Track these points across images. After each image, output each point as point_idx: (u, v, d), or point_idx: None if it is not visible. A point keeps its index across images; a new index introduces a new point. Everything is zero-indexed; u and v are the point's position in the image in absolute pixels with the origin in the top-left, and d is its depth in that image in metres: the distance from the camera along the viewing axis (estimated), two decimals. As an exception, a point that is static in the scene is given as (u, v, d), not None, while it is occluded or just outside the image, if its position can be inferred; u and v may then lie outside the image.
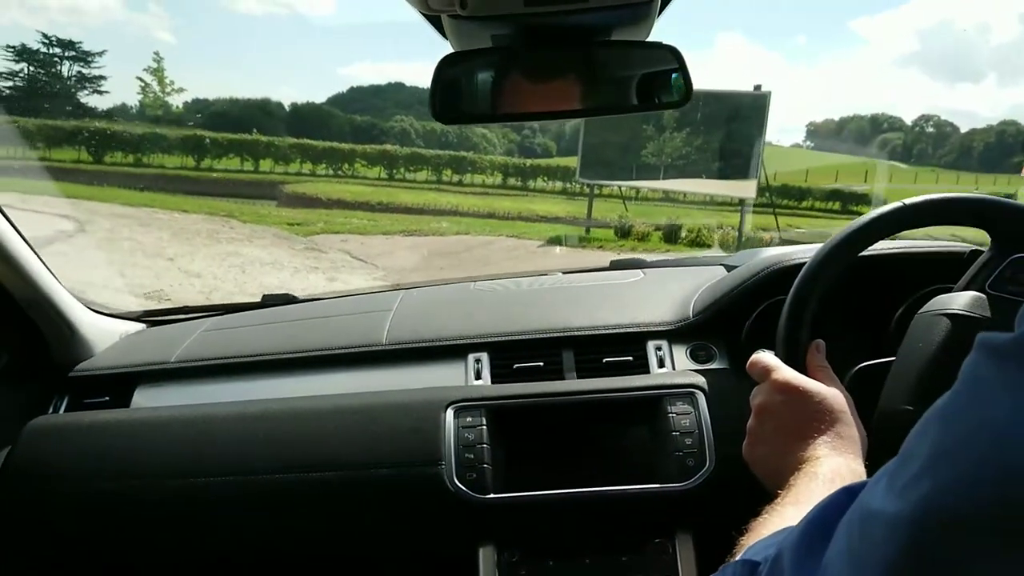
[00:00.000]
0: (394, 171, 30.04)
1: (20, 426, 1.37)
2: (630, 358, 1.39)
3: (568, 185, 29.50)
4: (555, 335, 1.42)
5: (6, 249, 1.36)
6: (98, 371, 1.51)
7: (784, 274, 1.31)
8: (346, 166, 29.78)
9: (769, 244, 12.34)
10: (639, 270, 1.75)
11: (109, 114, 41.78)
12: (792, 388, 0.88)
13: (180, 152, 27.77)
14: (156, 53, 76.24)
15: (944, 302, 0.97)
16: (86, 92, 48.82)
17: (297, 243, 12.28)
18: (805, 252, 1.35)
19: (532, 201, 23.69)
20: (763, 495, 0.84)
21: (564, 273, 1.83)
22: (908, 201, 1.00)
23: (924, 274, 1.25)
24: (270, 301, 1.82)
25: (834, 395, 0.86)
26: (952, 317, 0.93)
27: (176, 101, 43.30)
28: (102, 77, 48.63)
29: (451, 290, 1.84)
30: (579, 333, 1.42)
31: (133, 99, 41.34)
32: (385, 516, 1.25)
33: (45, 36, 50.66)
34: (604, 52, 1.07)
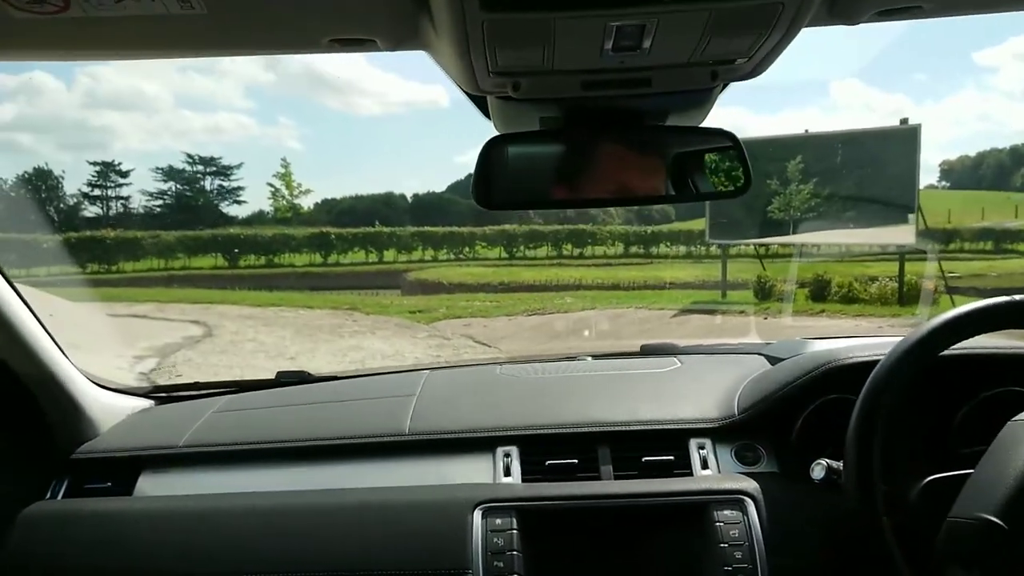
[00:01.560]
0: (514, 250, 30.17)
1: (16, 511, 1.29)
2: (671, 457, 1.29)
3: (693, 249, 28.76)
4: (591, 430, 1.34)
5: (10, 323, 1.31)
6: (102, 454, 1.44)
7: (843, 373, 1.23)
8: (467, 249, 30.14)
9: (935, 293, 10.97)
10: (674, 356, 1.68)
11: (247, 221, 44.23)
12: None
13: (308, 250, 28.76)
14: (283, 159, 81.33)
15: None
16: (227, 203, 52.31)
17: (420, 331, 11.97)
18: (862, 348, 1.27)
19: (658, 268, 22.95)
20: None
21: (594, 358, 1.77)
22: (1019, 298, 0.93)
23: (993, 375, 1.20)
24: (285, 379, 1.75)
25: None
26: None
27: (305, 203, 45.47)
28: (240, 188, 52.17)
29: (477, 373, 1.77)
30: (617, 428, 1.33)
31: (267, 205, 43.60)
32: None
33: (189, 156, 55.00)
34: (660, 136, 1.01)
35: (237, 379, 1.86)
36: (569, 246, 30.43)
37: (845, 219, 12.71)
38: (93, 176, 50.53)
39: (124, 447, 1.45)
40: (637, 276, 19.82)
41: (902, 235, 11.72)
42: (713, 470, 1.29)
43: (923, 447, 1.24)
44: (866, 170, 12.29)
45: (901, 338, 1.00)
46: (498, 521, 1.19)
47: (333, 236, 29.33)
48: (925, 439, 1.25)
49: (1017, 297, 0.97)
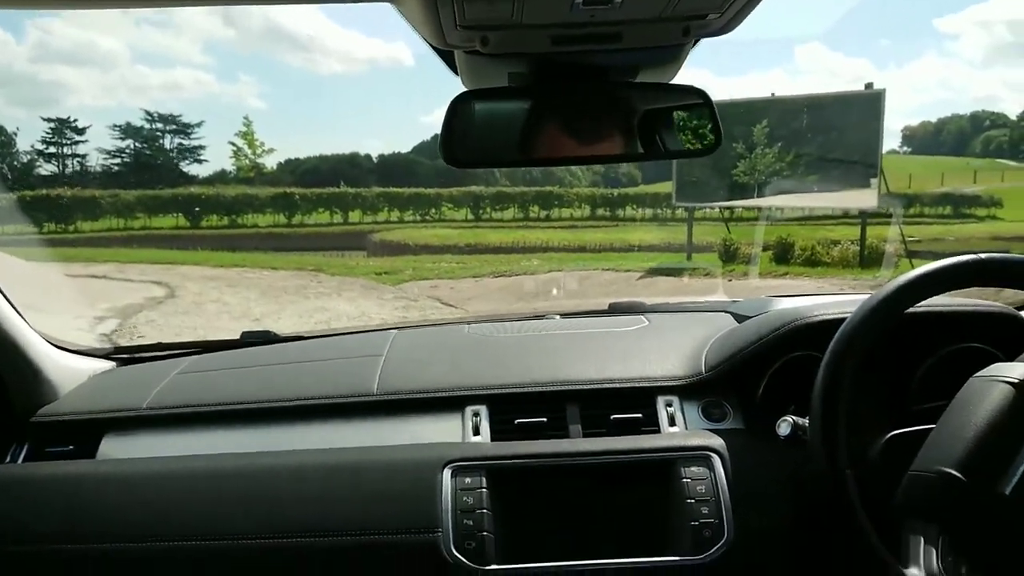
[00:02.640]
0: (480, 212, 30.05)
1: None
2: (639, 415, 1.30)
3: (659, 212, 28.88)
4: (560, 388, 1.34)
5: None
6: (62, 417, 1.39)
7: (809, 331, 1.24)
8: (433, 211, 29.94)
9: (896, 256, 11.17)
10: (642, 315, 1.68)
11: (209, 181, 43.40)
12: None
13: (271, 210, 28.34)
14: (245, 117, 79.64)
15: (1005, 369, 0.92)
16: (187, 162, 51.20)
17: (386, 292, 11.93)
18: (828, 307, 1.28)
19: (624, 231, 23.04)
20: (783, 571, 0.87)
21: (562, 316, 1.77)
22: (985, 256, 0.93)
23: (954, 332, 1.22)
24: (250, 340, 1.72)
25: None
26: (1014, 386, 0.89)
27: (268, 162, 44.68)
28: (201, 147, 50.99)
29: (445, 333, 1.76)
30: (585, 387, 1.34)
31: (229, 164, 42.79)
32: None
33: (148, 113, 53.47)
34: (630, 93, 1.01)
35: (201, 340, 1.81)
36: (536, 208, 30.36)
37: (809, 183, 12.85)
38: (47, 133, 49.14)
39: (86, 410, 1.42)
40: (603, 238, 19.88)
41: (865, 199, 11.91)
42: (680, 427, 1.30)
43: (885, 404, 1.26)
44: (831, 134, 12.41)
45: (866, 296, 1.01)
46: (467, 480, 1.19)
47: (297, 196, 28.92)
48: (887, 396, 1.27)
49: (982, 255, 0.98)
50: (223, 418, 1.38)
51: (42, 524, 1.21)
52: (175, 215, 27.33)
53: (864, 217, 12.34)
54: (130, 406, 1.41)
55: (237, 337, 1.76)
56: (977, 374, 0.95)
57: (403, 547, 1.14)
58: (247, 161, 39.25)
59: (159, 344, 1.76)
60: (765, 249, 13.27)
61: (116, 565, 1.18)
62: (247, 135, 38.79)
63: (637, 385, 1.35)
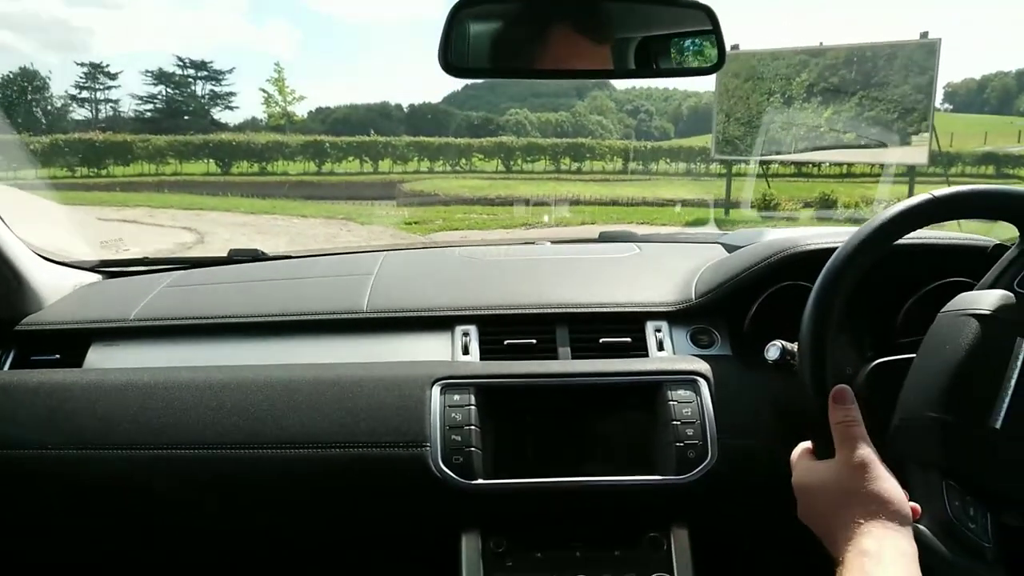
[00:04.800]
0: (511, 163, 29.81)
1: None
2: (628, 339, 1.32)
3: (693, 166, 28.46)
4: (549, 311, 1.35)
5: None
6: (48, 326, 1.39)
7: (798, 260, 1.26)
8: (463, 161, 29.76)
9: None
10: (634, 244, 1.69)
11: (240, 128, 43.46)
12: (836, 475, 0.84)
13: (302, 158, 28.32)
14: (276, 64, 79.43)
15: (969, 301, 0.92)
16: (218, 108, 51.31)
17: (415, 243, 11.77)
18: (817, 237, 1.30)
19: (657, 185, 22.67)
20: (766, 493, 0.90)
21: (553, 243, 1.79)
22: (937, 193, 0.95)
23: (935, 266, 1.24)
24: (238, 257, 1.72)
25: (873, 464, 0.82)
26: (980, 318, 0.88)
27: (299, 110, 44.55)
28: (232, 93, 51.01)
29: (435, 255, 1.78)
30: (575, 310, 1.35)
31: (260, 112, 42.70)
32: (362, 498, 1.18)
33: (179, 59, 53.35)
34: (634, 8, 1.02)
35: (188, 256, 1.79)
36: (567, 160, 30.05)
37: (856, 137, 12.42)
38: (81, 78, 49.36)
39: (72, 319, 1.40)
40: (636, 192, 19.49)
41: (915, 155, 11.46)
42: (668, 352, 1.31)
43: (872, 336, 1.27)
44: (880, 86, 11.93)
45: (855, 229, 1.00)
46: (456, 397, 1.19)
47: (327, 145, 28.85)
48: (873, 329, 1.28)
49: (978, 186, 0.98)
50: (211, 331, 1.37)
51: (26, 431, 1.21)
52: (206, 161, 27.39)
53: (912, 174, 11.91)
54: (117, 317, 1.39)
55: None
56: (944, 309, 0.94)
57: (391, 460, 1.16)
58: (278, 108, 39.18)
59: (145, 258, 1.74)
60: (806, 206, 12.91)
61: (100, 472, 1.18)
62: (278, 82, 38.64)
63: (627, 310, 1.36)
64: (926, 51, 11.22)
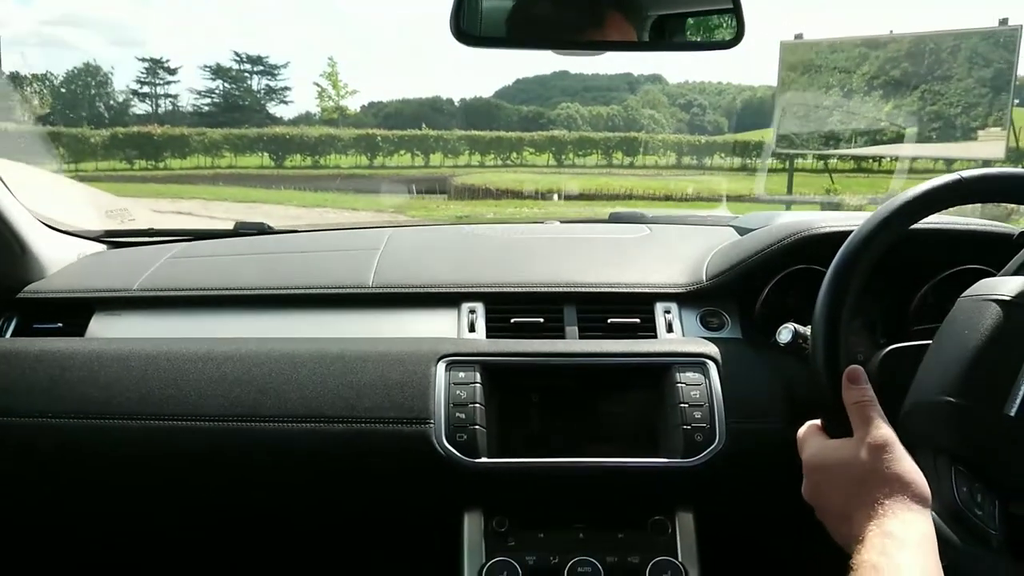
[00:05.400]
0: (563, 157, 29.63)
1: None
2: (637, 320, 1.30)
3: (748, 161, 27.83)
4: (558, 289, 1.33)
5: None
6: (52, 294, 1.39)
7: (810, 243, 1.24)
8: (514, 155, 29.64)
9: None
10: (644, 225, 1.68)
11: (294, 121, 43.92)
12: (860, 452, 0.82)
13: (354, 152, 28.55)
14: (330, 58, 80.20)
15: (992, 286, 0.90)
16: (274, 102, 52.01)
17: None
18: (832, 220, 1.28)
19: (712, 180, 22.17)
20: (776, 478, 0.89)
21: (562, 223, 1.78)
22: (965, 174, 0.93)
23: (954, 253, 1.23)
24: (244, 230, 1.71)
25: (894, 444, 0.80)
26: (1002, 304, 0.87)
27: (352, 104, 44.87)
28: (287, 88, 51.63)
29: (444, 232, 1.80)
30: (584, 289, 1.33)
31: (314, 106, 43.20)
32: (363, 474, 1.17)
33: (236, 54, 54.27)
34: None
35: (193, 228, 1.79)
36: (619, 155, 29.71)
37: (927, 130, 11.89)
38: (142, 73, 50.46)
39: (76, 288, 1.40)
40: (691, 187, 19.14)
41: (990, 149, 10.88)
42: (678, 333, 1.30)
43: (886, 323, 1.27)
44: (944, 79, 11.40)
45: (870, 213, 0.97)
46: (461, 374, 1.18)
47: (379, 138, 29.04)
48: (888, 315, 1.27)
49: (1009, 169, 0.96)
50: (215, 303, 1.37)
51: (27, 399, 1.20)
52: (260, 154, 27.75)
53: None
54: (121, 287, 1.39)
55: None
56: (964, 294, 0.93)
57: (395, 436, 1.14)
58: (331, 102, 39.49)
59: (150, 230, 1.73)
60: (872, 203, 12.42)
61: (100, 441, 1.17)
62: (331, 76, 38.96)
63: (636, 290, 1.34)
64: (1006, 39, 10.60)
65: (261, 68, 51.97)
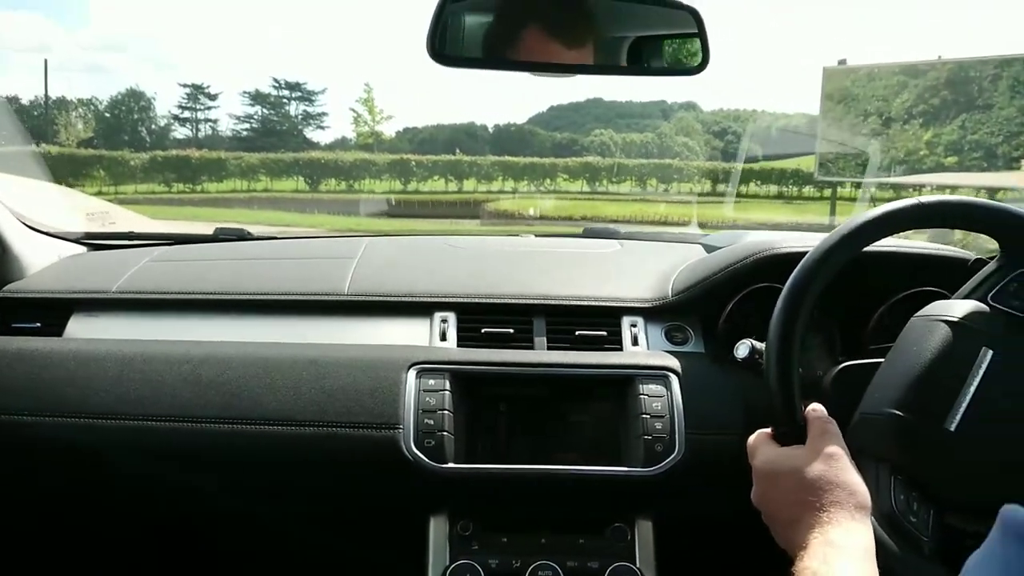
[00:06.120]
0: (596, 183, 29.65)
1: None
2: (604, 333, 1.34)
3: (784, 189, 27.50)
4: (528, 302, 1.37)
5: None
6: (30, 294, 1.41)
7: (773, 262, 1.28)
8: (548, 181, 29.74)
9: None
10: (615, 240, 1.73)
11: (330, 147, 44.41)
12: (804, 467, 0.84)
13: (388, 176, 28.79)
14: (366, 84, 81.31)
15: (943, 308, 0.96)
16: (311, 128, 52.75)
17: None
18: (794, 240, 1.33)
19: (747, 208, 21.93)
20: (732, 487, 0.92)
21: (537, 236, 1.84)
22: (924, 200, 0.99)
23: (915, 276, 1.28)
24: (223, 235, 1.74)
25: (843, 455, 0.84)
26: (951, 325, 0.92)
27: (387, 130, 45.35)
28: (323, 113, 52.38)
29: (420, 243, 1.84)
30: (553, 302, 1.37)
31: (350, 131, 43.70)
32: (333, 478, 1.20)
33: (275, 80, 55.17)
34: (622, 7, 1.05)
35: (173, 232, 1.83)
36: (654, 181, 29.64)
37: (967, 159, 11.60)
38: (183, 98, 51.47)
39: (55, 289, 1.42)
40: (726, 215, 18.91)
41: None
42: (643, 347, 1.33)
43: (844, 341, 1.31)
44: (985, 108, 11.14)
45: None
46: (431, 381, 1.21)
47: (413, 163, 29.25)
48: (846, 334, 1.31)
49: (966, 198, 1.01)
50: (193, 307, 1.39)
51: (4, 397, 1.22)
52: (295, 179, 28.06)
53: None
54: (100, 288, 1.41)
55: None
56: (918, 314, 0.98)
57: (363, 441, 1.17)
58: (366, 128, 39.91)
59: (131, 233, 1.74)
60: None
61: (76, 441, 1.20)
62: (367, 101, 39.40)
63: (604, 304, 1.38)
64: None
65: (299, 94, 52.77)
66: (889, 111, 12.45)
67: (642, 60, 1.08)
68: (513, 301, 1.37)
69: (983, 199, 1.02)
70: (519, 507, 1.21)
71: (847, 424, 0.93)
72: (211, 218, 16.38)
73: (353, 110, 40.47)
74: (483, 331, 1.33)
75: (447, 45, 1.00)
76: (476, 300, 1.37)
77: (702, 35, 1.02)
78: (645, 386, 1.23)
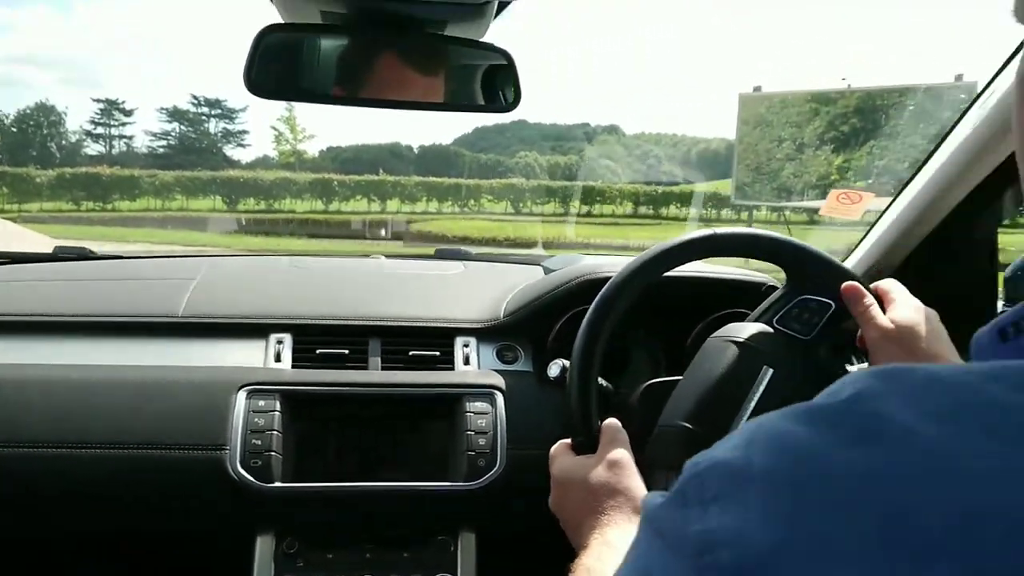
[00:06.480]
0: (520, 205, 29.84)
1: None
2: (437, 353, 1.38)
3: (704, 212, 28.25)
4: (363, 322, 1.40)
5: None
6: None
7: (592, 285, 1.33)
8: (472, 202, 29.93)
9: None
10: (462, 261, 1.78)
11: (251, 165, 43.62)
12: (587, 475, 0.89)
13: (309, 196, 28.46)
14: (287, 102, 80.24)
15: (734, 330, 1.04)
16: (231, 146, 51.67)
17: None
18: (619, 264, 1.30)
19: (667, 229, 22.40)
20: (546, 500, 0.94)
21: (388, 257, 1.84)
22: (718, 231, 1.06)
23: (725, 299, 1.35)
24: (63, 254, 1.71)
25: (627, 463, 0.88)
26: (739, 345, 1.00)
27: (310, 149, 44.83)
28: (244, 131, 51.31)
29: (263, 263, 1.85)
30: (388, 323, 1.41)
31: (272, 150, 42.95)
32: (163, 499, 1.21)
33: (194, 96, 53.81)
34: (433, 45, 1.09)
35: (10, 251, 1.76)
36: (577, 203, 29.97)
37: (868, 185, 12.09)
38: (96, 114, 49.76)
39: None
40: (648, 236, 19.26)
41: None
42: (474, 366, 1.38)
43: (667, 356, 1.39)
44: (891, 136, 11.62)
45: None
46: (261, 403, 1.22)
47: (335, 183, 29.01)
48: (669, 349, 1.38)
49: (756, 230, 1.09)
50: (29, 329, 1.36)
51: None
52: (212, 197, 27.38)
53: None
54: None
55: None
56: (713, 334, 1.05)
57: (191, 463, 1.19)
58: (288, 146, 39.34)
59: None
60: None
61: None
62: (289, 120, 38.80)
63: (438, 325, 1.42)
64: (935, 97, 10.75)
65: (219, 111, 51.66)
66: (802, 137, 12.87)
67: (454, 96, 1.13)
68: (349, 322, 1.40)
69: (772, 232, 1.11)
70: (345, 524, 1.24)
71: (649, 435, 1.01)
72: (121, 237, 15.80)
73: (275, 128, 39.95)
74: (318, 352, 1.35)
75: (261, 76, 1.02)
76: (311, 321, 1.39)
77: (513, 74, 1.08)
78: (471, 404, 1.28)
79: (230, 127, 51.88)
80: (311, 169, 36.92)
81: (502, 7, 0.99)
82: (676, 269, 1.06)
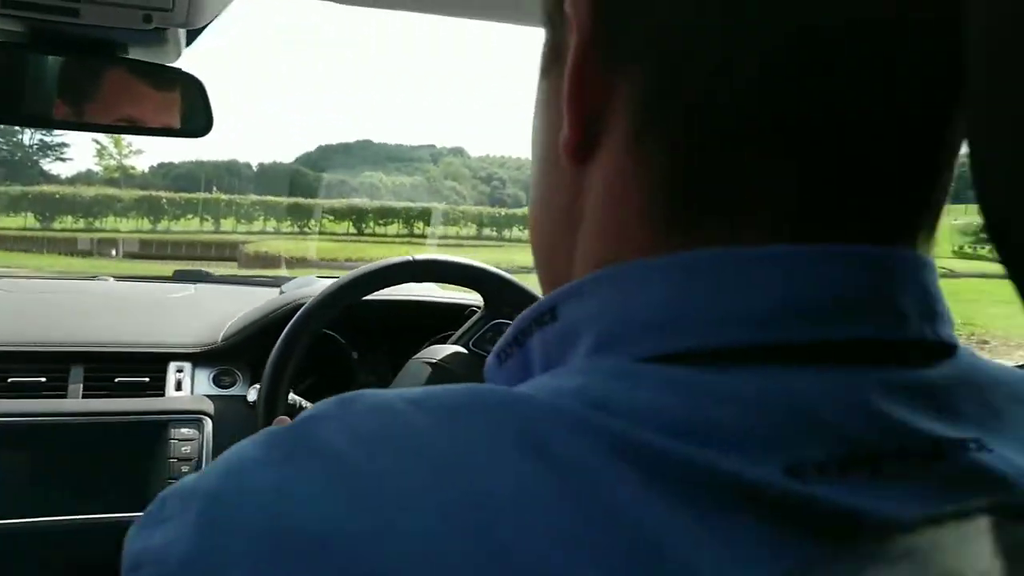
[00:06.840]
0: (363, 225, 29.55)
1: None
2: (146, 379, 1.35)
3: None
4: (64, 349, 1.35)
5: None
6: None
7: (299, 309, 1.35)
8: (312, 222, 29.18)
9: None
10: (193, 285, 1.76)
11: (71, 181, 40.64)
12: None
13: (135, 214, 26.96)
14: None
15: (431, 352, 1.10)
16: (48, 159, 47.80)
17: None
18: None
19: (510, 251, 22.81)
20: None
21: (117, 279, 1.83)
22: (417, 257, 1.11)
23: (449, 320, 1.40)
24: None
25: None
26: (432, 366, 1.07)
27: (138, 164, 42.42)
28: (64, 144, 47.63)
29: None
30: (91, 349, 1.37)
31: (96, 165, 40.21)
32: None
33: (1, 103, 49.37)
34: (127, 69, 1.09)
35: None
36: (421, 224, 30.06)
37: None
38: None
39: None
40: (491, 258, 19.46)
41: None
42: (187, 392, 1.36)
43: (394, 375, 1.37)
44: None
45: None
46: None
47: (164, 200, 27.62)
48: (396, 369, 1.36)
49: (452, 257, 1.16)
50: None
51: None
52: (24, 215, 25.30)
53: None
54: None
55: None
56: (414, 356, 1.12)
57: None
58: (112, 161, 37.06)
59: None
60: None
61: None
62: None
63: (148, 350, 1.39)
64: None
65: (32, 121, 47.82)
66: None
67: (155, 119, 1.13)
68: (46, 349, 1.34)
69: (470, 259, 1.17)
70: (29, 562, 1.19)
71: None
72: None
73: (96, 141, 37.50)
74: (9, 380, 1.29)
75: None
76: (6, 349, 1.32)
77: (203, 99, 1.09)
78: (177, 430, 1.27)
79: (47, 139, 48.05)
80: (140, 186, 34.88)
81: (193, 35, 1.00)
82: (389, 292, 1.11)
